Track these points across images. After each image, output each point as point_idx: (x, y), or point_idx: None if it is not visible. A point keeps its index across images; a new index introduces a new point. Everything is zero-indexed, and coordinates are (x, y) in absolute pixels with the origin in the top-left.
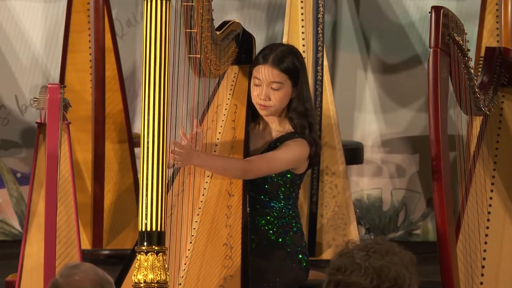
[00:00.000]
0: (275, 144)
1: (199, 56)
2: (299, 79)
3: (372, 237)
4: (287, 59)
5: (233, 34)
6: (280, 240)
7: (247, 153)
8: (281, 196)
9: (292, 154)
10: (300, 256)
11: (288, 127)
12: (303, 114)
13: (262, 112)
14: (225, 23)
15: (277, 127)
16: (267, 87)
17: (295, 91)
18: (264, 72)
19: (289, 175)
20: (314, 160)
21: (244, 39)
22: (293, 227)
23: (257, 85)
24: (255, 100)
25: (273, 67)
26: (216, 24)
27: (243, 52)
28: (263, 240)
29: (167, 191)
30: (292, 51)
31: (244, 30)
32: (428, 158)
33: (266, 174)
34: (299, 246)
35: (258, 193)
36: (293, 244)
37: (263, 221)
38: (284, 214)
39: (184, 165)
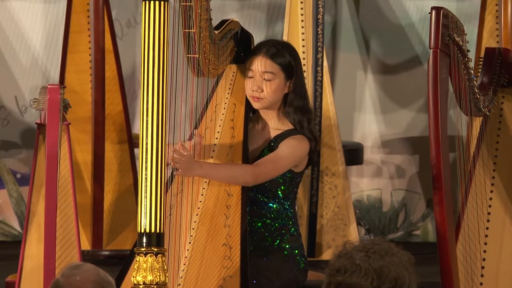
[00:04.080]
0: (275, 142)
1: (197, 56)
2: (294, 74)
3: (372, 237)
4: (280, 52)
5: (231, 33)
6: (276, 243)
7: (246, 153)
8: (280, 195)
9: (294, 151)
10: (298, 257)
11: (287, 125)
12: (301, 109)
13: (255, 105)
14: (223, 22)
15: (276, 124)
16: (260, 77)
17: (289, 85)
18: (257, 63)
19: (289, 174)
20: (313, 155)
21: (243, 38)
22: (289, 229)
23: (250, 77)
24: (248, 93)
25: (266, 57)
26: (214, 24)
27: (242, 51)
28: (260, 243)
29: (166, 191)
30: (286, 45)
31: (242, 29)
32: (428, 159)
33: (273, 176)
34: (296, 248)
35: (257, 192)
36: (290, 246)
37: (260, 224)
38: (281, 215)
39: (185, 174)
